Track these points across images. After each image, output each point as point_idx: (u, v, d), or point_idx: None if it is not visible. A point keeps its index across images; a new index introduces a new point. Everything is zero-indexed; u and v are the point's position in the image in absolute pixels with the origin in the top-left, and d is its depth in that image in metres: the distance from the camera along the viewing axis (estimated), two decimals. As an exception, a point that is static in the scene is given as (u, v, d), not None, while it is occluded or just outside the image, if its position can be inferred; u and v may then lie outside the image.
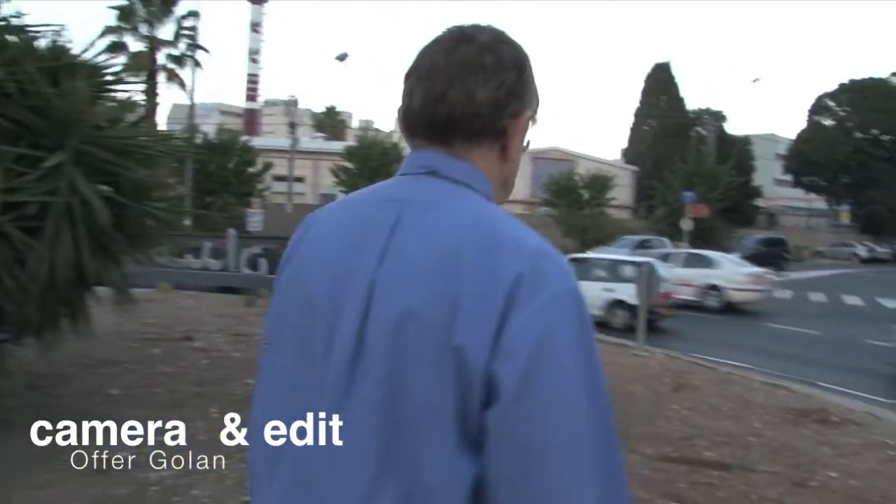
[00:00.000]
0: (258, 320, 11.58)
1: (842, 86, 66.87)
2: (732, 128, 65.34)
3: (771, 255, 35.95)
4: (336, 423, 1.05)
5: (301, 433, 1.09)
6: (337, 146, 44.64)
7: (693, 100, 71.65)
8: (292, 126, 36.63)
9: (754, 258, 34.75)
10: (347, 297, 1.06)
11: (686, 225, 30.32)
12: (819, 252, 50.46)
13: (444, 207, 1.09)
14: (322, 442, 1.06)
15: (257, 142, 40.12)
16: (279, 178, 43.22)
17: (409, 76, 1.18)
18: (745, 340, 13.73)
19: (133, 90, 9.19)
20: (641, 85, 63.82)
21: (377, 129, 41.43)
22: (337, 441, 1.04)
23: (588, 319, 1.02)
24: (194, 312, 12.23)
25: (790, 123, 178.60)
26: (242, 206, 32.09)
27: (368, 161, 35.18)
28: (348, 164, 36.29)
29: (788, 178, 68.45)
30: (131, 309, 6.49)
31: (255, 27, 76.95)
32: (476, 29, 1.18)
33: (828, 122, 67.10)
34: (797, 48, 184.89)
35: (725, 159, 44.13)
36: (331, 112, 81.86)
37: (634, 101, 63.54)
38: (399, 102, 1.19)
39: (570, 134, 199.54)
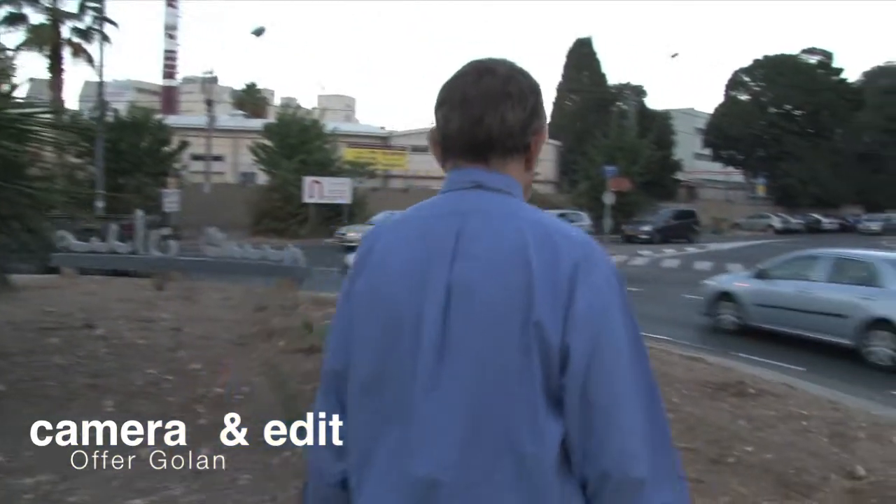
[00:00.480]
0: (167, 304, 11.06)
1: (756, 62, 68.51)
2: (653, 103, 66.61)
3: (681, 227, 36.69)
4: (429, 402, 1.26)
5: (396, 415, 1.29)
6: (257, 124, 43.58)
7: (615, 75, 72.49)
8: (209, 103, 35.55)
9: (666, 230, 35.49)
10: (427, 298, 1.29)
11: (608, 199, 30.61)
12: (737, 224, 51.84)
13: (499, 214, 1.34)
14: (417, 419, 1.26)
15: (173, 120, 38.81)
16: (197, 158, 42.07)
17: (441, 105, 1.41)
18: (661, 312, 13.79)
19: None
20: (563, 60, 64.23)
21: (298, 106, 40.48)
22: (431, 417, 1.25)
23: (626, 290, 1.31)
24: (98, 298, 11.59)
25: (708, 98, 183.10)
26: (158, 187, 30.98)
27: (287, 138, 34.35)
28: (267, 142, 35.37)
29: (707, 152, 69.99)
30: (25, 296, 5.99)
31: (171, 2, 74.36)
32: (494, 62, 1.43)
33: (744, 96, 68.74)
34: (714, 24, 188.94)
35: (646, 133, 44.77)
36: (251, 89, 80.00)
37: (557, 76, 63.72)
38: (434, 127, 1.45)
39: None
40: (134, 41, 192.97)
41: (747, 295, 11.95)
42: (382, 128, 58.64)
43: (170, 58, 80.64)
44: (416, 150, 54.45)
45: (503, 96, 1.36)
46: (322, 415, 1.45)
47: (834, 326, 10.41)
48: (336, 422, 1.43)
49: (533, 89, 1.41)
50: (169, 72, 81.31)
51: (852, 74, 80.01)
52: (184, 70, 78.23)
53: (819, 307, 10.68)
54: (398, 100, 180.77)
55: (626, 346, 1.26)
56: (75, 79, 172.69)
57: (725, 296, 12.38)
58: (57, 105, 28.76)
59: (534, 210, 1.36)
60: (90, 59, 29.70)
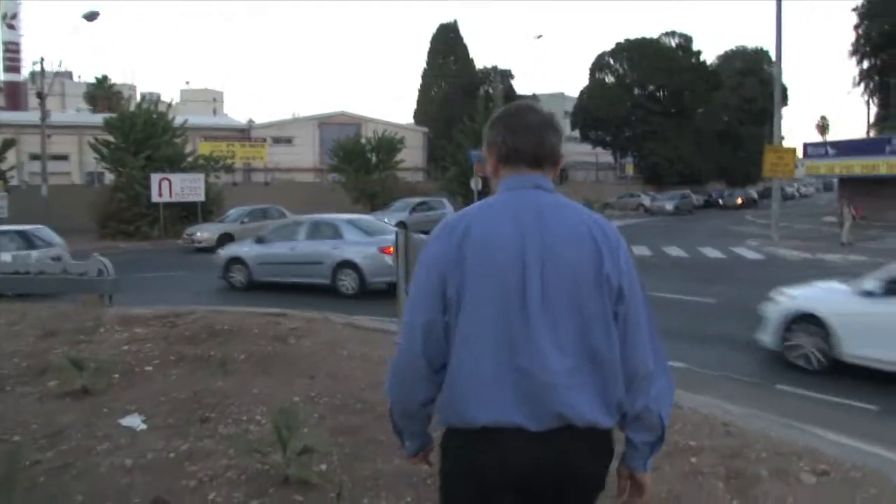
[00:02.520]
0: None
1: (618, 45, 69.49)
2: (521, 88, 66.28)
3: None
4: (541, 330, 1.99)
5: (512, 344, 2.00)
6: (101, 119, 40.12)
7: (482, 59, 72.10)
8: (40, 97, 32.24)
9: None
10: (528, 264, 2.00)
11: (475, 184, 29.50)
12: (608, 204, 51.97)
13: (560, 204, 2.12)
14: (532, 342, 1.99)
15: (7, 116, 35.00)
16: (36, 157, 38.47)
17: (504, 131, 2.18)
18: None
19: None
20: (427, 46, 62.95)
21: (147, 99, 37.46)
22: (542, 340, 1.99)
23: None
24: None
25: (575, 82, 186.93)
26: (-16, 191, 27.73)
27: (132, 133, 31.51)
28: (110, 138, 32.40)
29: (576, 134, 70.55)
30: None
31: (8, -13, 68.46)
32: (533, 104, 2.28)
33: (609, 79, 69.59)
34: (577, 8, 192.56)
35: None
36: (102, 83, 74.79)
37: (422, 62, 62.47)
38: (494, 145, 2.19)
39: (359, 99, 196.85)
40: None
41: (252, 257, 15.24)
42: (251, 121, 55.78)
43: (11, 50, 74.48)
44: (278, 141, 52.06)
45: (552, 127, 2.19)
46: (419, 349, 2.07)
47: (316, 271, 14.31)
48: (430, 354, 2.07)
49: (560, 123, 2.25)
50: (12, 65, 75.09)
51: (709, 57, 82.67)
52: (32, 64, 72.17)
53: (304, 259, 14.45)
54: (268, 93, 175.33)
55: (640, 289, 2.12)
56: None
57: (235, 260, 15.54)
58: None
59: (575, 202, 2.18)
60: None
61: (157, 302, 12.92)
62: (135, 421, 5.44)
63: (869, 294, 7.99)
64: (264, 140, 47.52)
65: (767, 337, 8.76)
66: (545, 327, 1.97)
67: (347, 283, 14.18)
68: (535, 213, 2.05)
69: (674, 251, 22.57)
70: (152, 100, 38.38)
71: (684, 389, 6.87)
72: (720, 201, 57.63)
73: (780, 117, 27.75)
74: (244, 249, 15.74)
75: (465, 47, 61.45)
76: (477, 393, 1.98)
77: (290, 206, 31.22)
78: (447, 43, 60.60)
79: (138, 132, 31.56)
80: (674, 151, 64.43)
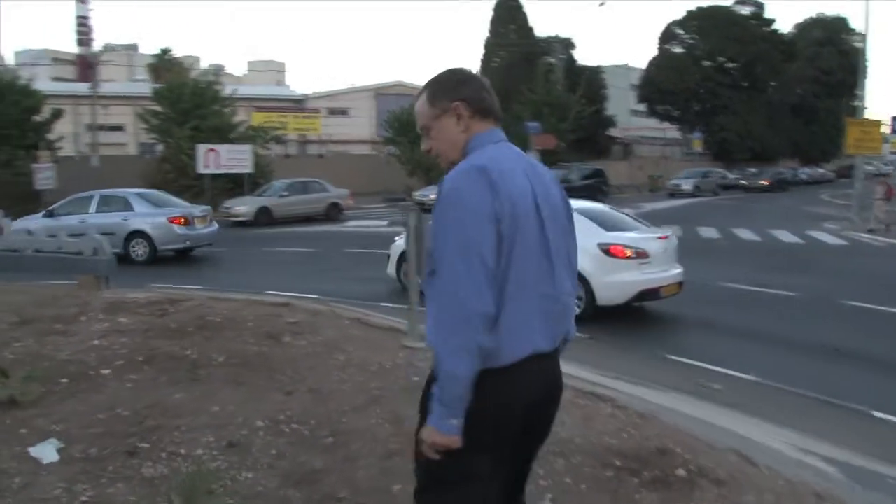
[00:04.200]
0: None
1: (689, 13, 66.34)
2: (585, 58, 64.01)
3: (588, 187, 33.95)
4: (557, 258, 2.25)
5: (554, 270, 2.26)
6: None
7: (543, 28, 69.43)
8: (90, 67, 31.79)
9: (570, 191, 32.68)
10: (540, 205, 2.20)
11: (533, 158, 27.94)
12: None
13: (527, 155, 2.38)
14: (556, 269, 2.24)
15: (45, 86, 34.63)
16: (99, 128, 38.34)
17: (475, 86, 2.34)
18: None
19: None
20: (490, 14, 60.97)
21: (189, 68, 36.82)
22: (561, 268, 2.26)
23: None
24: None
25: (642, 54, 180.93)
26: (31, 161, 27.32)
27: (179, 103, 30.77)
28: (158, 108, 31.75)
29: (643, 107, 67.87)
30: None
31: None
32: None
33: (677, 49, 66.60)
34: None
35: (575, 89, 42.23)
36: (164, 54, 75.05)
37: (485, 32, 60.40)
38: (473, 100, 2.30)
39: (419, 70, 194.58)
40: (50, 11, 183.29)
41: (41, 230, 15.08)
42: (306, 94, 54.86)
43: (83, 24, 75.37)
44: (334, 112, 51.10)
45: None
46: (490, 302, 2.04)
47: (110, 241, 12.72)
48: (494, 306, 2.07)
49: None
50: (83, 39, 76.03)
51: (784, 26, 78.66)
52: (106, 38, 72.95)
53: (97, 230, 13.94)
54: (328, 64, 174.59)
55: None
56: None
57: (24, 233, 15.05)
58: None
59: None
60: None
61: (176, 279, 12.00)
62: (47, 450, 4.28)
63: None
64: (318, 111, 46.49)
65: (390, 269, 11.24)
66: (558, 256, 2.23)
67: (139, 250, 15.38)
68: (525, 161, 2.29)
69: (744, 234, 20.74)
70: (214, 71, 37.69)
71: (756, 416, 5.45)
72: (743, 182, 49.21)
73: (863, 88, 25.45)
74: (31, 224, 16.07)
75: (524, 15, 59.26)
76: (519, 332, 2.11)
77: (343, 180, 30.21)
78: (509, 11, 58.55)
79: (186, 102, 30.80)
80: (744, 126, 61.31)
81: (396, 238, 11.42)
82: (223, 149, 29.46)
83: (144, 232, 15.23)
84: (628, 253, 8.77)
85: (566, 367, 6.29)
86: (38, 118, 29.53)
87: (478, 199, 2.05)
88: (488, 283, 2.02)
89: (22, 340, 6.93)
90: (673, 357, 7.17)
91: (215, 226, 17.10)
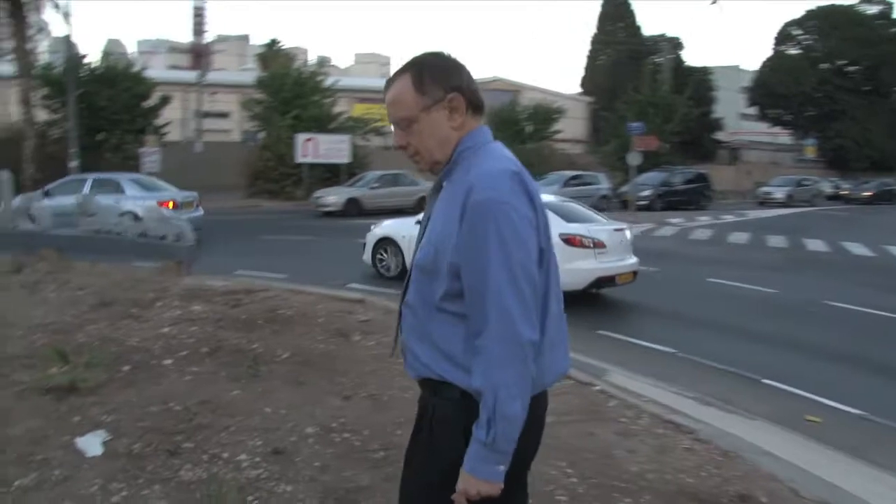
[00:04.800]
0: (13, 298, 8.24)
1: (808, 13, 63.31)
2: (693, 58, 61.92)
3: (690, 192, 32.45)
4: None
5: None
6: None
7: (651, 27, 67.37)
8: (198, 56, 32.71)
9: (670, 196, 31.28)
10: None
11: (633, 159, 27.06)
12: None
13: None
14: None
15: (157, 74, 35.78)
16: (206, 115, 39.51)
17: (465, 76, 1.94)
18: (671, 303, 10.52)
19: None
20: (598, 10, 59.85)
21: (292, 57, 37.36)
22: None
23: None
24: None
25: (755, 55, 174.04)
26: (139, 145, 28.26)
27: (281, 93, 31.29)
28: (261, 97, 32.39)
29: (753, 111, 65.23)
30: None
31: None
32: None
33: (793, 51, 63.70)
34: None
35: (682, 89, 40.90)
36: (272, 45, 77.05)
37: (592, 28, 59.34)
38: (467, 91, 1.93)
39: (522, 66, 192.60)
40: (172, 3, 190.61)
41: (40, 209, 14.42)
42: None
43: (199, 14, 78.21)
44: (435, 106, 51.02)
45: None
46: (537, 326, 1.80)
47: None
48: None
49: None
50: (198, 29, 78.96)
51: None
52: (219, 29, 76.08)
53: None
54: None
55: None
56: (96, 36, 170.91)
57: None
58: (20, 55, 26.19)
59: None
60: (56, 6, 26.81)
61: (262, 267, 12.02)
62: (93, 443, 4.17)
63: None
64: (418, 104, 46.57)
65: (366, 257, 11.86)
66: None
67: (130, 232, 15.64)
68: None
69: (856, 248, 19.45)
70: (319, 62, 38.21)
71: (860, 458, 4.87)
72: (843, 192, 44.11)
73: None
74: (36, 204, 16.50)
75: (632, 13, 57.86)
76: (556, 353, 1.93)
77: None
78: (617, 8, 57.29)
79: (287, 91, 31.30)
80: (863, 134, 57.99)
81: (372, 226, 12.27)
82: (321, 138, 29.79)
83: (134, 213, 15.17)
84: (586, 242, 9.36)
85: (647, 386, 5.82)
86: (147, 104, 30.53)
87: (521, 211, 1.77)
88: (535, 308, 1.79)
89: (97, 323, 6.97)
90: (768, 382, 6.59)
91: (201, 211, 17.49)
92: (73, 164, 25.92)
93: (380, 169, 28.79)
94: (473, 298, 1.76)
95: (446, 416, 1.86)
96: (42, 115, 28.92)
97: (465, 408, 1.80)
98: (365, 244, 12.02)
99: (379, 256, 11.73)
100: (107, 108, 28.77)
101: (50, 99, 28.93)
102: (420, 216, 2.27)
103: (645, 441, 4.34)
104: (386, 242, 11.65)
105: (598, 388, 5.52)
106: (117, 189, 16.44)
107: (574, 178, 29.98)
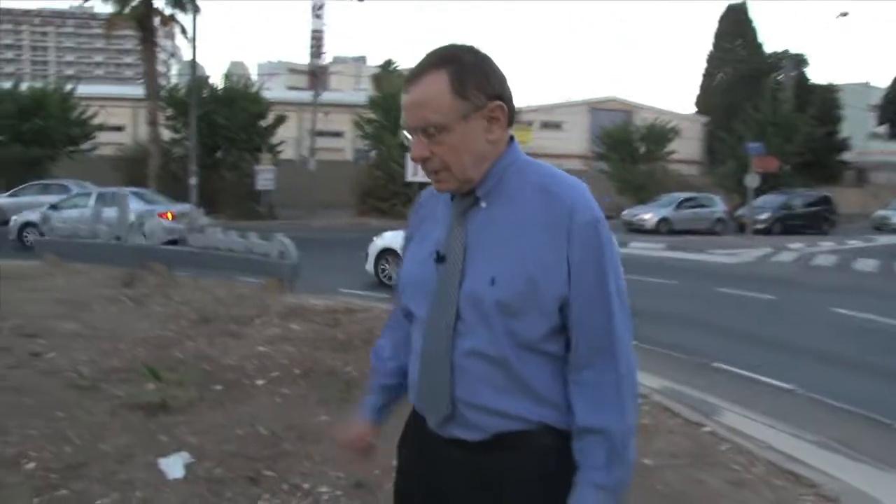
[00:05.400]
0: (102, 308, 8.48)
1: (946, 26, 59.66)
2: (818, 76, 59.24)
3: (811, 216, 30.53)
4: None
5: None
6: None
7: (773, 44, 64.74)
8: (312, 75, 33.57)
9: (790, 219, 29.51)
10: None
11: (751, 181, 25.93)
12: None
13: None
14: None
15: (274, 94, 36.94)
16: (320, 134, 40.50)
17: (505, 82, 1.63)
18: (791, 335, 9.82)
19: None
20: (714, 27, 58.12)
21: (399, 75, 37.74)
22: None
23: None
24: (44, 295, 9.24)
25: (886, 71, 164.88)
26: (254, 163, 29.18)
27: (392, 112, 31.70)
28: (372, 116, 32.96)
29: (883, 130, 61.76)
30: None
31: (318, -22, 73.91)
32: None
33: (929, 67, 60.03)
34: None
35: (805, 108, 39.09)
36: (387, 66, 78.73)
37: (708, 45, 57.68)
38: (510, 99, 1.63)
39: (635, 85, 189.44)
40: (286, 24, 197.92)
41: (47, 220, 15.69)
42: (520, 107, 54.98)
43: (316, 37, 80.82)
44: (547, 126, 50.68)
45: None
46: None
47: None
48: None
49: None
50: (316, 51, 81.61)
51: None
52: (337, 51, 78.20)
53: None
54: (541, 77, 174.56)
55: None
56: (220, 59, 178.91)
57: (28, 224, 17.70)
58: (149, 79, 27.53)
59: None
60: (183, 30, 28.08)
61: (360, 286, 12.02)
62: (176, 464, 4.09)
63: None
64: (529, 123, 46.32)
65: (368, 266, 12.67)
66: None
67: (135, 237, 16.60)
68: None
69: None
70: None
71: None
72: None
73: None
74: (34, 216, 17.95)
75: (753, 30, 55.89)
76: None
77: None
78: (736, 24, 55.51)
79: (397, 111, 31.65)
80: None
81: (375, 238, 13.01)
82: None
83: (135, 223, 16.52)
84: None
85: (763, 427, 5.31)
86: (263, 123, 31.53)
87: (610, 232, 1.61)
88: None
89: (195, 339, 7.02)
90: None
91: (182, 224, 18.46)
92: (193, 181, 26.96)
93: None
94: (588, 331, 1.56)
95: (537, 469, 1.60)
96: (167, 135, 30.27)
97: (562, 449, 1.60)
98: (367, 255, 12.85)
99: (381, 266, 12.62)
100: (225, 127, 29.83)
101: (174, 119, 30.25)
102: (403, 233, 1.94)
103: (760, 493, 3.92)
104: (388, 253, 12.43)
105: (708, 428, 5.10)
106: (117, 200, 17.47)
107: (687, 199, 29.13)
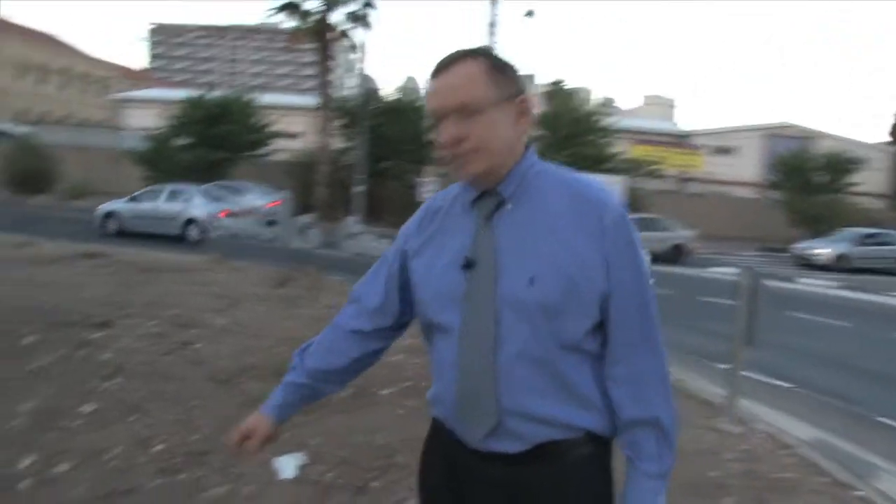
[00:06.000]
0: (253, 307, 8.85)
1: None
2: None
3: None
4: None
5: None
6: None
7: None
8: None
9: None
10: None
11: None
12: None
13: None
14: None
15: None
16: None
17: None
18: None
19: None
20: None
21: (578, 95, 37.50)
22: None
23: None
24: (199, 289, 9.77)
25: None
26: (419, 175, 29.87)
27: (558, 130, 31.60)
28: (540, 133, 33.01)
29: None
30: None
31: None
32: None
33: None
34: None
35: None
36: (556, 84, 78.74)
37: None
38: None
39: (817, 111, 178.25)
40: (461, 41, 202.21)
41: (125, 211, 19.77)
42: (690, 131, 53.27)
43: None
44: (719, 151, 48.78)
45: None
46: None
47: (169, 224, 19.09)
48: None
49: None
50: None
51: None
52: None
53: (163, 215, 19.27)
54: (715, 101, 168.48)
55: None
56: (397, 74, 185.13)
57: (111, 213, 19.92)
58: (322, 90, 28.82)
59: None
60: (353, 47, 29.26)
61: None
62: (289, 465, 4.14)
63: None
64: (699, 148, 44.84)
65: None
66: None
67: (193, 233, 18.73)
68: None
69: None
70: (600, 103, 38.24)
71: None
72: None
73: None
74: (118, 205, 20.13)
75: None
76: None
77: (719, 222, 28.57)
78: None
79: (565, 128, 31.56)
80: None
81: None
82: (595, 178, 29.65)
83: (197, 219, 18.76)
84: None
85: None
86: (427, 137, 32.27)
87: None
88: None
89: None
90: None
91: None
92: (359, 189, 27.93)
93: (655, 212, 27.76)
94: (629, 324, 1.58)
95: (576, 481, 1.60)
96: (336, 143, 31.57)
97: (601, 458, 1.63)
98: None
99: None
100: (393, 139, 30.71)
101: (345, 129, 31.51)
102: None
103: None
104: None
105: (860, 493, 4.60)
106: (188, 197, 19.59)
107: (870, 236, 27.04)
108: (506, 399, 1.54)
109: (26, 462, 4.05)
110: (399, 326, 1.85)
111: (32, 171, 30.28)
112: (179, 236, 18.79)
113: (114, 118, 53.91)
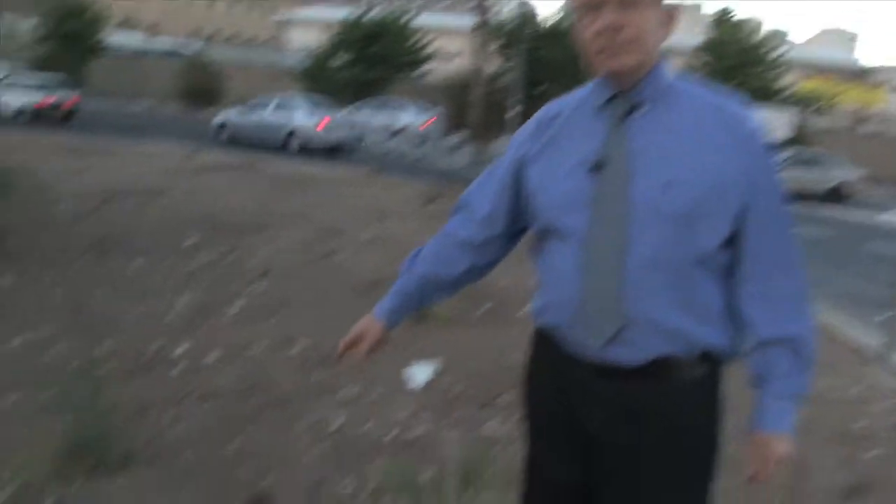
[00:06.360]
0: (401, 223, 9.01)
1: None
2: None
3: None
4: None
5: None
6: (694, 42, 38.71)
7: None
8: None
9: None
10: None
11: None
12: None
13: None
14: None
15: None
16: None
17: None
18: None
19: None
20: None
21: (739, 24, 35.19)
22: None
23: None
24: (351, 202, 10.05)
25: None
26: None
27: (723, 59, 29.93)
28: (704, 60, 31.50)
29: None
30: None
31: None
32: None
33: None
34: None
35: None
36: (724, 14, 74.38)
37: None
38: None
39: None
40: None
41: (236, 121, 20.48)
42: (874, 66, 49.00)
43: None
44: (903, 89, 44.71)
45: None
46: None
47: (273, 135, 19.69)
48: None
49: None
50: None
51: None
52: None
53: (268, 125, 19.89)
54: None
55: None
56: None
57: (223, 125, 20.65)
58: (479, 11, 28.42)
59: None
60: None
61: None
62: (420, 374, 4.22)
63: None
64: (880, 83, 41.29)
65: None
66: None
67: (294, 144, 19.34)
68: None
69: None
70: (771, 35, 35.83)
71: None
72: None
73: None
74: (230, 116, 20.81)
75: None
76: None
77: (875, 167, 26.08)
78: None
79: (729, 58, 29.89)
80: None
81: None
82: (758, 112, 28.08)
83: (296, 130, 19.43)
84: None
85: None
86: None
87: None
88: None
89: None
90: None
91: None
92: (514, 112, 27.70)
93: (836, 152, 25.57)
94: (769, 240, 1.52)
95: (689, 400, 1.54)
96: (491, 67, 31.26)
97: (714, 381, 1.56)
98: None
99: None
100: (551, 63, 30.09)
101: (502, 51, 31.14)
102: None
103: None
104: None
105: None
106: (290, 109, 20.03)
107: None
108: (630, 305, 1.48)
109: (180, 350, 4.34)
110: (510, 236, 1.75)
111: (202, 88, 31.97)
112: (282, 146, 19.19)
113: (278, 37, 55.64)
